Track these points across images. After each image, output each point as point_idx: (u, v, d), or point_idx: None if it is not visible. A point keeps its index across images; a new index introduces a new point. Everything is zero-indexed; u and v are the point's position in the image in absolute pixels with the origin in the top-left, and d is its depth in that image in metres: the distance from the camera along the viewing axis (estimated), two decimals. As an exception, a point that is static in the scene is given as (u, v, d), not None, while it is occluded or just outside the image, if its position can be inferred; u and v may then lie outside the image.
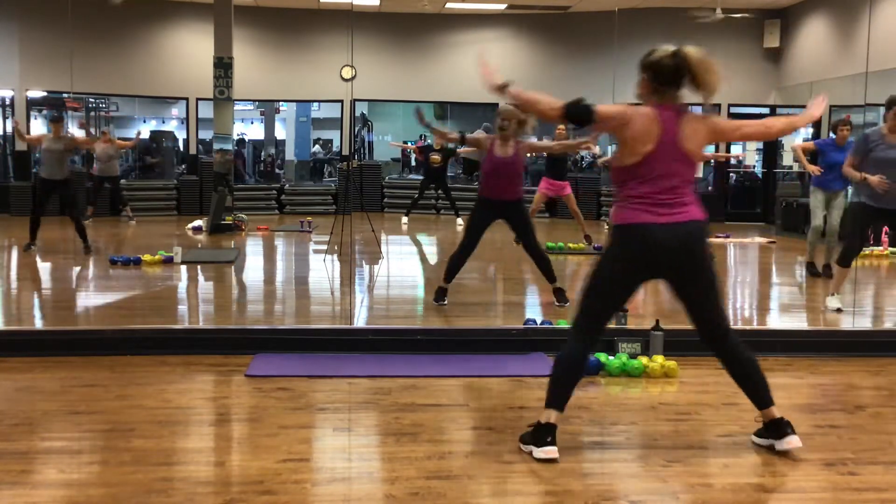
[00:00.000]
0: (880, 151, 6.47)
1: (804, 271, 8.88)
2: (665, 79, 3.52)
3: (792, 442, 3.59)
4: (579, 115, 3.56)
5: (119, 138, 14.51)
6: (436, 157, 13.57)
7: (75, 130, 16.09)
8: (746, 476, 3.37)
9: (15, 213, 14.21)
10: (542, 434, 3.55)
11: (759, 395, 3.70)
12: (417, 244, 12.57)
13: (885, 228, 10.85)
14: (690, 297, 3.66)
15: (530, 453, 3.55)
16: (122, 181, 14.41)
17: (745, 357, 3.71)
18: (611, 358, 4.97)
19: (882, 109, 13.48)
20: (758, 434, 3.74)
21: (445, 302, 6.74)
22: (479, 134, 6.73)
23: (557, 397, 3.63)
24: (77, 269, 9.18)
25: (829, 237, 8.64)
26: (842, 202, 8.72)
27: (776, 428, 3.63)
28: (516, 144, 6.51)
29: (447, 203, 14.50)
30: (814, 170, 8.56)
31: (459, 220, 13.91)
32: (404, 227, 13.42)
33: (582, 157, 19.36)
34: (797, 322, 6.84)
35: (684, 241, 3.53)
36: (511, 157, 6.49)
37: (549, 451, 3.51)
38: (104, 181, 13.33)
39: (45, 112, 15.10)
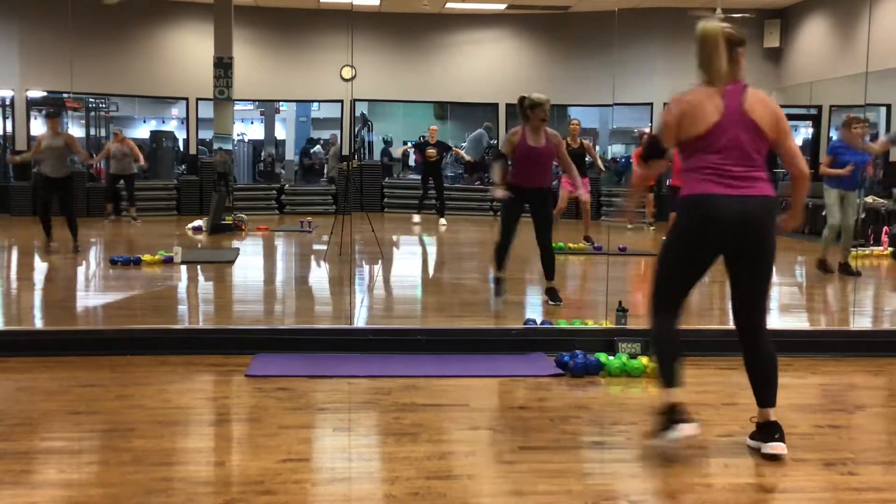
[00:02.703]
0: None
1: (815, 269, 8.89)
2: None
3: (777, 447, 3.53)
4: (653, 153, 3.69)
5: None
6: (432, 151, 13.76)
7: (75, 130, 16.11)
8: (746, 476, 3.37)
9: (15, 214, 14.21)
10: (671, 416, 3.51)
11: (766, 394, 3.67)
12: (418, 244, 12.57)
13: (886, 228, 10.86)
14: (739, 274, 3.62)
15: (665, 440, 3.50)
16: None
17: (769, 354, 3.69)
18: (611, 358, 4.97)
19: (882, 109, 13.51)
20: (752, 436, 3.71)
21: (503, 296, 6.76)
22: (505, 143, 6.76)
23: (668, 376, 3.60)
24: (77, 269, 9.19)
25: (844, 236, 8.71)
26: (855, 201, 8.81)
27: (767, 431, 3.59)
28: (546, 134, 6.60)
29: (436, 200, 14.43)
30: (844, 172, 8.61)
31: (443, 220, 13.95)
32: (416, 227, 13.46)
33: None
34: (797, 322, 6.84)
35: (749, 215, 3.49)
36: (543, 147, 6.60)
37: (686, 429, 3.47)
38: (119, 179, 13.69)
39: (43, 111, 15.15)
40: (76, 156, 10.41)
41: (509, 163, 6.63)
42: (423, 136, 19.38)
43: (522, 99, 6.64)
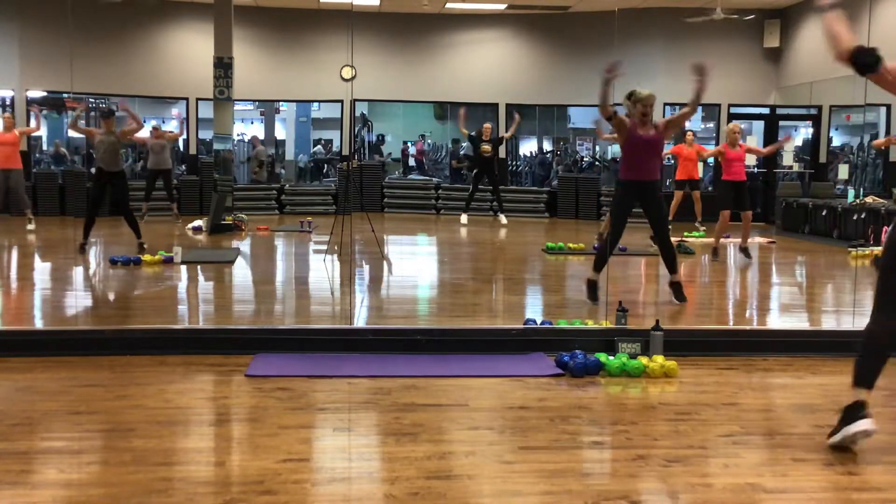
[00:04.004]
0: None
1: (827, 269, 8.91)
2: None
3: None
4: (865, 60, 3.61)
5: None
6: (487, 147, 13.73)
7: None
8: (746, 476, 3.37)
9: (14, 213, 14.18)
10: (853, 412, 3.59)
11: None
12: (418, 244, 12.58)
13: (886, 228, 10.86)
14: None
15: (844, 436, 3.58)
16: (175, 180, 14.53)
17: None
18: (611, 358, 4.97)
19: (882, 109, 13.48)
20: None
21: (598, 301, 6.67)
22: (620, 117, 6.66)
23: (864, 375, 3.66)
24: (77, 269, 9.18)
25: None
26: None
27: None
28: (654, 125, 6.62)
29: (492, 198, 14.38)
30: None
31: (503, 219, 13.96)
32: (463, 229, 13.54)
33: (581, 157, 19.37)
34: (797, 322, 6.84)
35: None
36: (654, 136, 6.59)
37: (863, 424, 3.54)
38: (157, 175, 13.77)
39: (44, 112, 15.15)
40: (131, 126, 10.06)
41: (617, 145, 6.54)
42: (424, 136, 19.49)
43: (630, 94, 6.66)
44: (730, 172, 9.93)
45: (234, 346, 5.23)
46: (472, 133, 14.44)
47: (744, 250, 9.97)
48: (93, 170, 9.98)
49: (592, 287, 6.78)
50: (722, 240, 10.30)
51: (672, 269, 6.76)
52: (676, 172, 13.55)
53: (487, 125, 14.55)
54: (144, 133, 13.94)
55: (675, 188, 13.28)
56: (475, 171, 14.55)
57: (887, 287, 3.73)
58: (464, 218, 14.10)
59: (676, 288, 6.72)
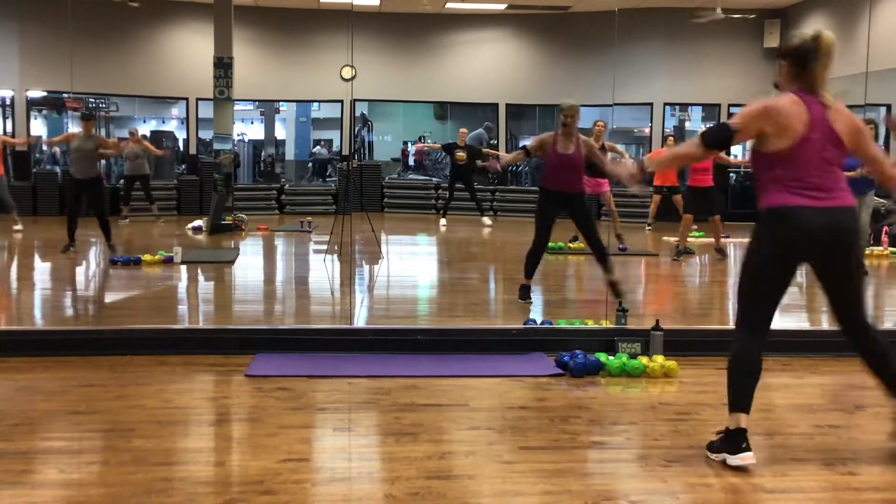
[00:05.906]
0: None
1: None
2: (805, 64, 3.49)
3: None
4: (720, 140, 3.59)
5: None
6: (461, 154, 13.73)
7: (76, 130, 16.04)
8: (746, 476, 3.37)
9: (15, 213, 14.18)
10: (734, 441, 3.44)
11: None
12: (417, 244, 12.58)
13: (885, 228, 10.87)
14: (833, 284, 3.60)
15: (723, 461, 3.45)
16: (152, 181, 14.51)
17: (882, 350, 3.63)
18: (611, 358, 4.97)
19: (882, 109, 13.52)
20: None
21: (531, 300, 6.88)
22: (536, 140, 7.08)
23: (740, 400, 3.50)
24: (78, 269, 9.19)
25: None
26: (870, 202, 8.84)
27: None
28: (577, 140, 6.74)
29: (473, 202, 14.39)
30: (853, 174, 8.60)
31: (485, 219, 13.98)
32: (443, 230, 13.55)
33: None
34: (797, 322, 6.84)
35: (836, 226, 3.47)
36: (573, 154, 6.72)
37: (746, 458, 3.39)
38: (135, 180, 13.78)
39: (44, 112, 15.12)
40: (108, 150, 10.23)
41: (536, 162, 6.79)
42: (424, 136, 19.48)
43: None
44: (694, 179, 9.92)
45: (234, 346, 5.23)
46: (446, 144, 14.67)
47: (718, 250, 10.06)
48: (58, 167, 9.99)
49: (523, 289, 6.95)
50: (722, 240, 10.31)
51: (607, 269, 6.81)
52: (654, 177, 13.42)
53: (463, 130, 14.52)
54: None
55: (654, 192, 13.14)
56: (449, 176, 14.57)
57: (754, 302, 3.60)
58: (442, 221, 14.10)
59: (614, 287, 6.74)
